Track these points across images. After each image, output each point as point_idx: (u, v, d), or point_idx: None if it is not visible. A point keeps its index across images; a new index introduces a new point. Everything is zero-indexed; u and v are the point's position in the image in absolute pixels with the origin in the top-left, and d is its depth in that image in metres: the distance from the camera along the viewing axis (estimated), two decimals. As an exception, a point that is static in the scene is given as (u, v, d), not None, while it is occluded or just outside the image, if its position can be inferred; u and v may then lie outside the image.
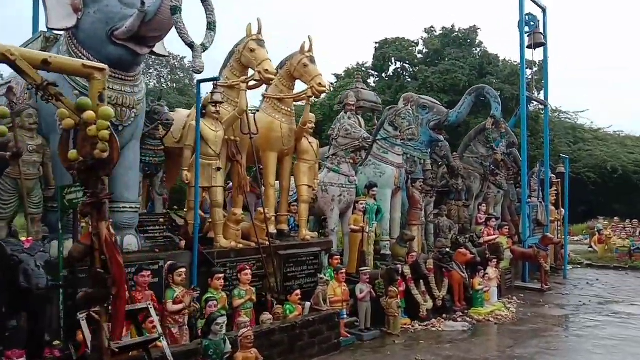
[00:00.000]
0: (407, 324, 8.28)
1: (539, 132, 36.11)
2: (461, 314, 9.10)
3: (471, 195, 12.86)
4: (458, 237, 12.02)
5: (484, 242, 11.20)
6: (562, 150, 36.42)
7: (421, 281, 8.85)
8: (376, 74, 36.26)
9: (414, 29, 55.27)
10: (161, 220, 6.63)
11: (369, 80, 35.77)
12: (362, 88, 12.35)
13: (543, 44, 14.07)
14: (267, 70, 7.23)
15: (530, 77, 35.10)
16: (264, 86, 8.43)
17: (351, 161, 9.65)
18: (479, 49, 34.63)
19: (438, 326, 8.33)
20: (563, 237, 14.69)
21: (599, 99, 62.66)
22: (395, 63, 35.51)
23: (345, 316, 7.35)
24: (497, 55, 34.12)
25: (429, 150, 12.18)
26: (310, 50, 8.26)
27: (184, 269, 5.83)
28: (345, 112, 10.99)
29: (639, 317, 9.29)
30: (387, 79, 35.52)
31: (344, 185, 9.36)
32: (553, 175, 15.22)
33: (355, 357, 6.68)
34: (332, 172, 9.45)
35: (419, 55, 36.23)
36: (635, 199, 30.84)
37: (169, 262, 5.90)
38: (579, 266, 15.53)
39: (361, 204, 9.17)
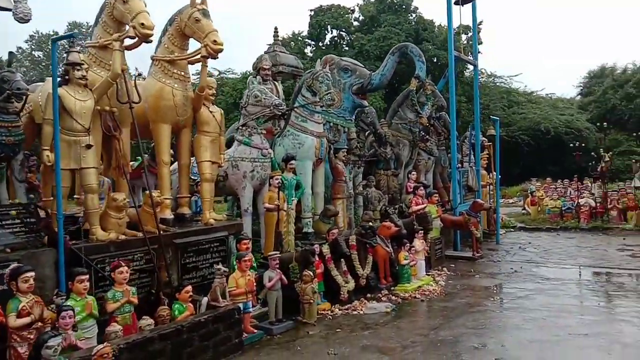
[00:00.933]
0: (327, 309, 7.40)
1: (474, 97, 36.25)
2: (387, 292, 8.32)
3: (400, 163, 12.07)
4: (387, 208, 11.29)
5: (411, 212, 10.45)
6: (497, 114, 36.58)
7: (342, 260, 7.99)
8: (313, 43, 35.00)
9: None
10: (13, 212, 5.35)
11: (305, 50, 34.53)
12: (280, 51, 11.17)
13: (471, 0, 13.23)
14: (142, 24, 5.92)
15: (465, 42, 34.66)
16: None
17: (263, 132, 8.57)
18: (414, 15, 33.89)
19: (360, 309, 7.48)
20: (495, 201, 14.27)
21: (531, 63, 63.92)
22: (332, 31, 34.36)
23: (251, 310, 6.36)
24: (432, 20, 33.50)
25: (354, 117, 11.27)
26: (203, 2, 6.98)
27: (31, 273, 4.62)
28: (260, 78, 9.91)
29: (568, 282, 8.82)
30: (324, 47, 34.27)
31: (257, 159, 8.29)
32: (484, 139, 14.69)
33: (259, 357, 5.74)
34: (243, 145, 8.35)
35: (355, 23, 35.20)
36: (567, 160, 31.36)
37: (11, 266, 4.69)
38: (512, 230, 15.22)
39: (276, 179, 8.15)
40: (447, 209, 12.37)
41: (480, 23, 34.09)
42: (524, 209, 18.22)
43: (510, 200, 24.01)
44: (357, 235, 8.46)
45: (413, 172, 12.38)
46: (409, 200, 10.94)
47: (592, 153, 16.12)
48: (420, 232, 9.21)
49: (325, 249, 7.79)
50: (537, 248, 12.23)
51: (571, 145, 15.87)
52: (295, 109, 9.37)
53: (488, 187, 14.06)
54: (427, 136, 12.96)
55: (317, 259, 7.58)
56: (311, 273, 6.93)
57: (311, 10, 33.96)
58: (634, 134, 31.67)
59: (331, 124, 10.12)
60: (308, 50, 34.60)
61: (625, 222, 14.58)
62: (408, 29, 31.89)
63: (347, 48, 34.11)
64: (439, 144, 13.55)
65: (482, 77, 37.83)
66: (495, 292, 8.52)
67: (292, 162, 8.80)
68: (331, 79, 9.17)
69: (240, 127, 8.49)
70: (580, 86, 42.58)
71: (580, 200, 15.36)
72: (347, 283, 7.82)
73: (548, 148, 33.20)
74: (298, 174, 9.19)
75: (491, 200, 14.86)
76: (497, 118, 13.22)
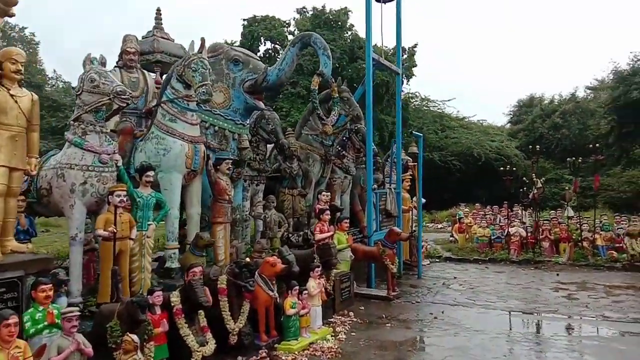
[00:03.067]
0: (166, 386, 5.07)
1: (408, 120, 35.06)
2: (266, 352, 6.05)
3: (309, 181, 9.94)
4: (290, 235, 9.11)
5: (315, 241, 8.30)
6: (430, 138, 35.66)
7: (201, 312, 5.65)
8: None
9: (286, 8, 52.33)
10: None
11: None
12: (162, 37, 8.81)
13: (393, -1, 11.36)
14: None
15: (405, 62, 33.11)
16: None
17: (106, 130, 6.17)
18: (350, 32, 32.44)
19: (215, 385, 5.20)
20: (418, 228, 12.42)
21: (464, 88, 64.57)
22: (265, 43, 32.31)
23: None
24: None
25: (253, 123, 9.10)
26: None
27: None
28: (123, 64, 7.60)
29: (498, 336, 6.89)
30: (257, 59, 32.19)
31: (92, 168, 5.88)
32: (408, 158, 12.87)
33: None
34: (73, 147, 5.94)
35: (290, 37, 33.36)
36: (497, 186, 30.58)
37: None
38: (437, 260, 13.39)
39: (117, 195, 5.78)
40: (363, 237, 10.34)
41: (415, 46, 33.48)
42: (452, 235, 16.55)
43: (440, 225, 22.51)
44: (229, 275, 6.16)
45: (326, 193, 10.31)
46: (314, 227, 8.80)
47: (524, 178, 14.65)
48: (316, 269, 7.01)
49: (175, 298, 5.44)
50: (463, 285, 10.36)
51: (501, 169, 14.31)
52: (163, 105, 7.06)
53: (411, 211, 12.17)
54: (344, 151, 10.95)
55: (160, 312, 5.24)
56: (133, 338, 4.56)
57: (244, 20, 31.82)
58: (563, 162, 31.45)
59: (216, 128, 7.88)
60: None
61: (558, 255, 13.07)
62: (343, 45, 30.29)
63: (280, 62, 32.22)
64: (357, 161, 11.54)
65: (415, 101, 36.98)
66: (407, 351, 6.44)
67: (149, 173, 6.46)
68: (208, 67, 6.92)
69: (72, 122, 6.06)
70: (510, 114, 42.58)
71: (510, 229, 13.78)
72: (205, 345, 5.49)
73: (479, 173, 32.40)
74: (162, 189, 6.88)
75: (414, 227, 13.02)
76: (420, 135, 11.35)
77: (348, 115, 10.08)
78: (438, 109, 37.93)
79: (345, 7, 32.26)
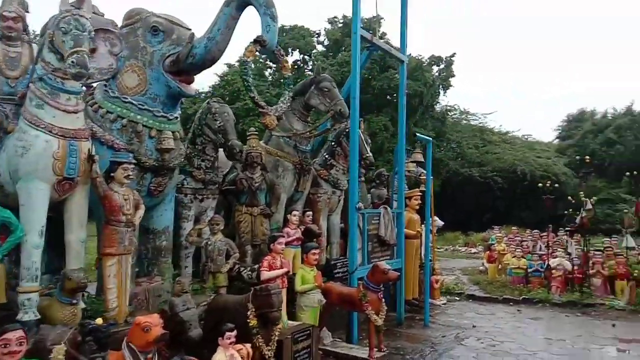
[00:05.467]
0: None
1: (446, 133, 32.03)
2: None
3: (276, 196, 7.48)
4: (241, 269, 6.68)
5: (262, 280, 5.79)
6: (469, 153, 32.39)
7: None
8: (274, 65, 30.92)
9: (317, 19, 49.99)
10: None
11: (265, 72, 30.47)
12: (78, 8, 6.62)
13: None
14: None
15: (437, 74, 30.46)
16: None
17: None
18: (381, 41, 30.00)
19: None
20: (434, 257, 9.69)
21: (506, 102, 60.39)
22: (293, 53, 30.30)
23: None
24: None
25: (198, 119, 6.83)
26: None
27: None
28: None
29: None
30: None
31: None
32: (422, 170, 10.20)
33: None
34: None
35: (320, 47, 31.28)
36: (542, 206, 27.16)
37: None
38: (457, 298, 10.53)
39: None
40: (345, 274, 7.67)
41: (453, 55, 30.57)
42: (483, 264, 13.59)
43: (473, 250, 19.43)
44: (70, 345, 3.77)
45: (306, 212, 7.85)
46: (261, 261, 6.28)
47: (569, 198, 11.60)
48: (227, 333, 4.48)
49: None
50: (483, 339, 7.53)
51: (540, 186, 11.34)
52: (32, 86, 4.85)
53: (421, 238, 9.42)
54: (332, 160, 8.45)
55: None
56: None
57: (271, 30, 29.95)
58: (618, 181, 27.49)
59: (124, 121, 5.59)
60: (267, 72, 30.54)
61: (613, 297, 9.96)
62: (374, 55, 27.90)
63: (309, 73, 30.19)
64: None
65: (454, 114, 33.97)
66: None
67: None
68: (87, 28, 4.66)
69: None
70: (559, 129, 38.62)
71: (551, 261, 10.77)
72: None
73: (523, 193, 28.88)
74: (20, 204, 4.64)
75: (430, 258, 10.29)
76: (430, 139, 8.57)
77: (329, 110, 7.57)
78: (479, 122, 34.76)
79: (378, 15, 29.84)
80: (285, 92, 7.05)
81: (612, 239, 13.13)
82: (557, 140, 37.84)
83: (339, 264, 7.82)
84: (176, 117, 6.06)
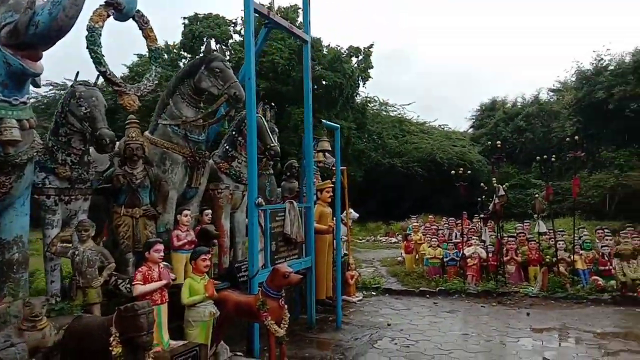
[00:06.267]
0: None
1: (366, 125, 31.89)
2: None
3: (163, 194, 6.47)
4: (120, 282, 5.65)
5: (136, 295, 4.82)
6: (390, 143, 32.52)
7: None
8: (189, 55, 29.22)
9: (233, 7, 48.24)
10: None
11: (180, 63, 28.71)
12: None
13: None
14: None
15: (356, 65, 29.99)
16: None
17: None
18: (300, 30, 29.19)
19: None
20: (348, 251, 9.06)
21: (423, 93, 61.90)
22: (208, 43, 28.72)
23: None
24: (320, 38, 28.97)
25: (61, 105, 5.68)
26: None
27: None
28: None
29: None
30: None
31: None
32: (333, 159, 9.53)
33: None
34: None
35: (237, 37, 29.94)
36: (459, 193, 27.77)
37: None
38: (374, 293, 10.01)
39: None
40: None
41: (371, 46, 30.39)
42: (401, 255, 13.25)
43: (393, 240, 19.26)
44: None
45: (203, 210, 6.92)
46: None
47: (482, 184, 11.45)
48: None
49: None
50: (398, 339, 6.98)
51: (458, 174, 11.07)
52: None
53: (334, 232, 8.73)
54: (233, 151, 7.54)
55: None
56: None
57: (184, 18, 28.34)
58: (528, 167, 28.66)
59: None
60: (182, 63, 28.80)
61: (527, 284, 9.87)
62: (292, 45, 27.05)
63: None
64: (260, 165, 8.08)
65: (374, 105, 33.99)
66: None
67: None
68: None
69: None
70: (473, 119, 39.88)
71: (466, 250, 10.54)
72: None
73: (442, 181, 29.36)
74: None
75: (346, 253, 9.71)
76: (337, 125, 7.80)
77: (222, 94, 6.63)
78: (397, 113, 35.05)
79: (295, 5, 29.06)
80: (153, 66, 5.99)
81: (525, 224, 13.23)
82: (471, 129, 39.03)
83: (243, 268, 6.95)
84: (24, 102, 4.87)
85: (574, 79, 29.70)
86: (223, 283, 6.52)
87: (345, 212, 10.15)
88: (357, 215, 11.36)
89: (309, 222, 7.48)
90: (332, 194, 8.56)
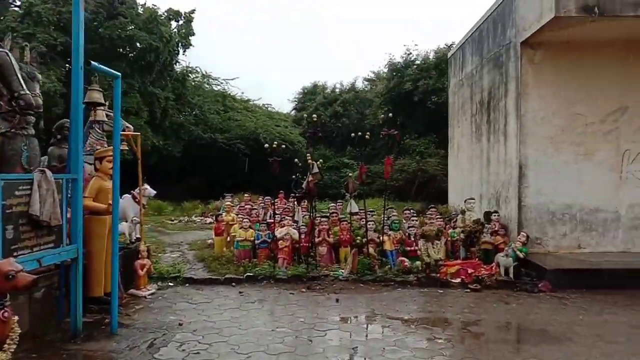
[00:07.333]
0: None
1: (186, 97, 29.39)
2: None
3: None
4: None
5: None
6: (212, 118, 30.57)
7: None
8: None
9: None
10: None
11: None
12: None
13: None
14: None
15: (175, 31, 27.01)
16: None
17: None
18: (108, -20, 25.31)
19: None
20: (141, 233, 7.37)
21: (248, 71, 60.71)
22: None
23: None
24: (134, -6, 25.54)
25: None
26: None
27: None
28: None
29: None
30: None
31: None
32: (127, 125, 7.68)
33: None
34: None
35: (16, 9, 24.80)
36: (283, 173, 27.28)
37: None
38: (171, 284, 8.46)
39: None
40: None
41: (193, 12, 27.92)
42: (212, 238, 11.88)
43: (208, 220, 17.78)
44: None
45: None
46: None
47: (296, 160, 10.67)
48: None
49: None
50: (190, 340, 5.63)
51: (273, 148, 10.04)
52: None
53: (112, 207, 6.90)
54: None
55: None
56: None
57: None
58: (343, 150, 29.52)
59: None
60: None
61: (338, 266, 9.37)
62: (98, -5, 23.28)
63: (15, 8, 23.72)
64: (17, 126, 5.84)
65: (196, 77, 31.65)
66: None
67: None
68: None
69: None
70: (295, 101, 40.08)
71: (278, 231, 9.63)
72: None
73: (265, 159, 28.60)
74: None
75: (136, 232, 7.99)
76: (118, 74, 5.97)
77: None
78: (221, 88, 33.26)
79: None
80: None
81: (338, 203, 12.92)
82: (294, 111, 39.18)
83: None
84: None
85: (386, 70, 31.48)
86: None
87: (138, 187, 8.35)
88: (155, 192, 9.59)
89: (74, 200, 5.61)
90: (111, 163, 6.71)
